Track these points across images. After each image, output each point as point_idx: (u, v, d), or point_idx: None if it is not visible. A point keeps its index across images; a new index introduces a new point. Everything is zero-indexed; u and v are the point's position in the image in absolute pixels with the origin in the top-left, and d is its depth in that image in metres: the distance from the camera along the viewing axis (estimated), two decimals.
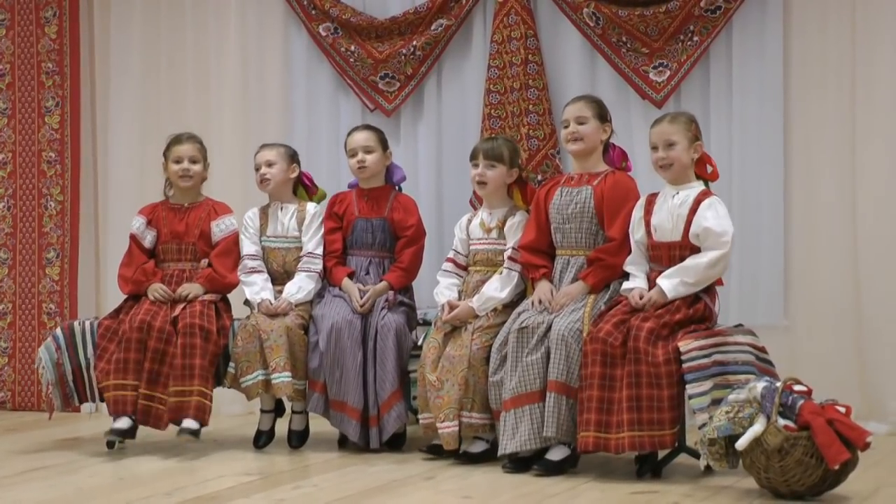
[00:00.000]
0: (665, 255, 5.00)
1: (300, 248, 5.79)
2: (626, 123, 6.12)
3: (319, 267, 5.74)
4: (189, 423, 5.41)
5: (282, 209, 5.86)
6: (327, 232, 5.80)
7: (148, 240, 5.82)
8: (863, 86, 5.85)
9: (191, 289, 5.66)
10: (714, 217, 4.91)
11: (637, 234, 5.09)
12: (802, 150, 5.99)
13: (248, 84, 6.88)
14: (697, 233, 4.91)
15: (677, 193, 5.02)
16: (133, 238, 5.82)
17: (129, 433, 5.50)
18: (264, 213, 5.88)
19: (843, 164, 5.91)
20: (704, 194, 4.99)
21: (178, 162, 5.80)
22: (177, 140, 5.84)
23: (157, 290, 5.65)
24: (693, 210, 4.94)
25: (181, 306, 5.59)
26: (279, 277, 5.79)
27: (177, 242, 5.79)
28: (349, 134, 5.85)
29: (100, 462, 5.40)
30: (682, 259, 4.94)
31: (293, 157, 5.89)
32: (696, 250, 4.93)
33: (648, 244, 5.06)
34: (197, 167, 5.81)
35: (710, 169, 5.10)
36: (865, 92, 5.85)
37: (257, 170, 5.85)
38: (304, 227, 5.80)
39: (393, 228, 5.75)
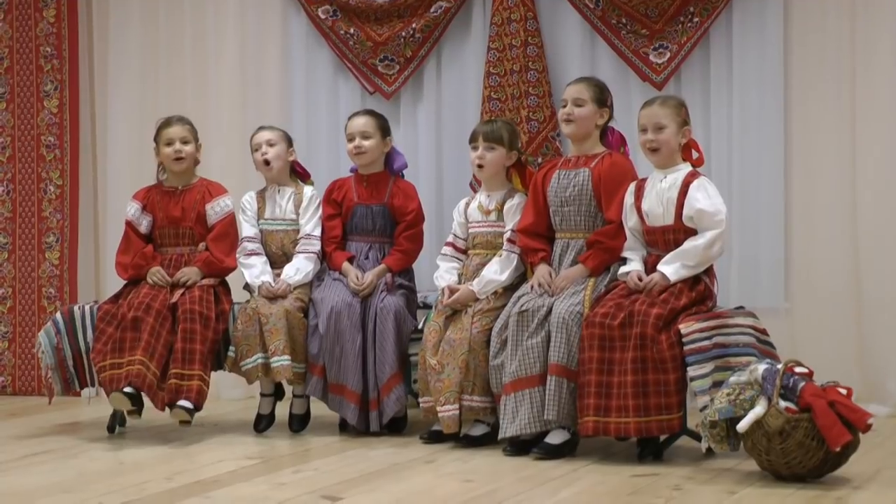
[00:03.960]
0: (660, 239, 4.99)
1: (297, 231, 5.78)
2: (626, 105, 6.09)
3: (317, 248, 5.74)
4: (184, 402, 5.37)
5: (279, 192, 5.84)
6: (326, 218, 5.79)
7: (144, 225, 5.79)
8: (863, 66, 5.83)
9: (188, 273, 5.64)
10: (705, 198, 4.89)
11: (630, 220, 5.08)
12: (803, 133, 5.98)
13: (247, 67, 6.86)
14: (691, 215, 4.90)
15: (665, 178, 5.00)
16: (129, 224, 5.80)
17: (134, 398, 5.33)
18: (261, 196, 5.87)
19: (843, 147, 5.89)
20: (692, 175, 4.97)
21: (169, 144, 5.76)
22: (166, 123, 5.80)
23: (155, 273, 5.64)
24: (683, 192, 4.93)
25: (180, 292, 5.58)
26: (278, 260, 5.78)
27: (173, 227, 5.77)
28: (349, 118, 5.83)
29: (100, 447, 5.40)
30: (677, 242, 4.93)
31: (290, 140, 5.88)
32: (690, 231, 4.92)
33: (643, 230, 5.05)
34: (188, 147, 5.78)
35: (696, 155, 5.08)
36: (865, 72, 5.83)
37: (256, 150, 5.82)
38: (302, 209, 5.78)
39: (393, 214, 5.73)
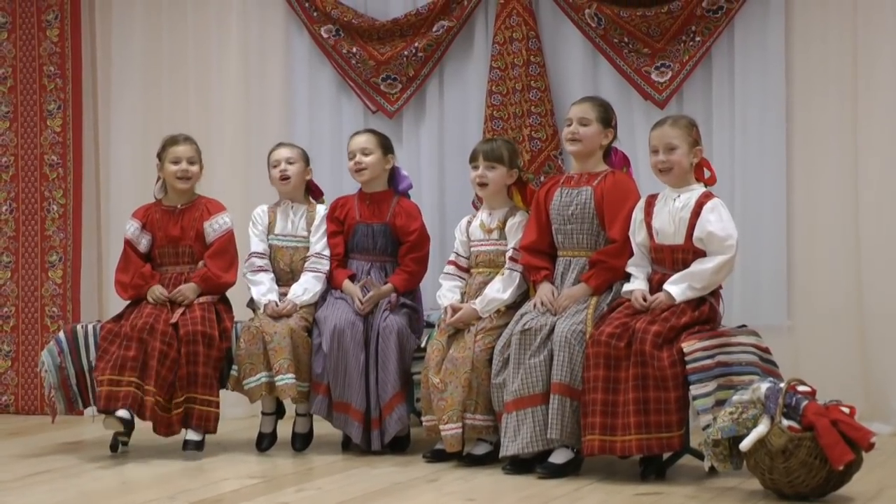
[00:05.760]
0: (668, 258, 4.99)
1: (307, 249, 5.78)
2: (629, 124, 6.11)
3: (327, 268, 5.73)
4: (192, 436, 5.45)
5: (292, 208, 5.85)
6: (329, 236, 5.79)
7: (143, 244, 5.79)
8: (865, 84, 5.84)
9: (186, 290, 5.64)
10: (718, 221, 4.89)
11: (638, 236, 5.07)
12: (805, 150, 5.98)
13: (250, 86, 6.87)
14: (702, 237, 4.89)
15: (678, 196, 4.99)
16: (128, 243, 5.80)
17: (128, 424, 5.41)
18: (273, 210, 5.87)
19: (845, 165, 5.90)
20: (706, 196, 4.96)
21: (176, 163, 5.76)
22: (173, 141, 5.80)
23: (154, 290, 5.64)
24: (695, 213, 4.91)
25: (180, 311, 5.58)
26: (284, 277, 5.78)
27: (173, 246, 5.77)
28: (351, 137, 5.84)
29: (103, 466, 5.39)
30: (686, 262, 4.93)
31: (308, 159, 5.89)
32: (699, 252, 4.91)
33: (651, 246, 5.05)
34: (195, 168, 5.79)
35: (707, 174, 5.08)
36: (867, 90, 5.84)
37: (275, 167, 5.83)
38: (314, 227, 5.79)
39: (395, 234, 5.73)
